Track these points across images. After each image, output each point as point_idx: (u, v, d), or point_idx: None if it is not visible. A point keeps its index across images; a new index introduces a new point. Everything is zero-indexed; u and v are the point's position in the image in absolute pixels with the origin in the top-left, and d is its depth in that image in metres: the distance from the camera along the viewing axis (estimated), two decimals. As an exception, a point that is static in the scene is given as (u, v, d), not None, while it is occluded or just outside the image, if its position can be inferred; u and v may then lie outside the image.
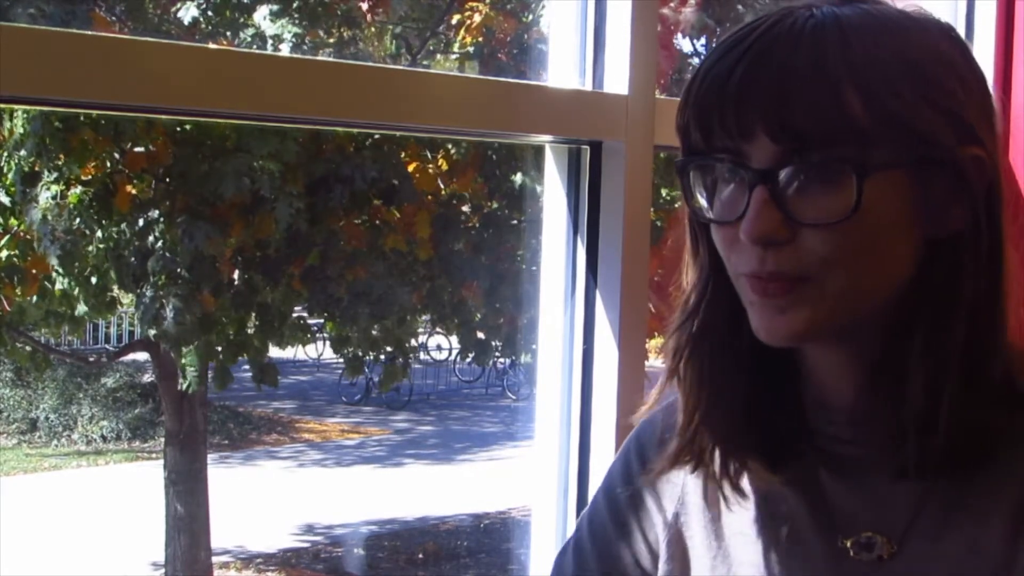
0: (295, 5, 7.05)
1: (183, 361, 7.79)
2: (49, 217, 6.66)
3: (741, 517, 1.07)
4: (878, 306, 0.98)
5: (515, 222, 7.98)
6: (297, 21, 6.93)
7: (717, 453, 1.05)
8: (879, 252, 0.95)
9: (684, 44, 8.92)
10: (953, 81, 0.97)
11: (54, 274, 7.22)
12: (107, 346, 14.72)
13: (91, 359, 13.22)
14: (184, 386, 7.95)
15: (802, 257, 0.95)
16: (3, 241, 7.06)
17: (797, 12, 0.97)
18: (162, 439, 10.43)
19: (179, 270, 7.07)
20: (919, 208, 0.96)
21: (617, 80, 1.73)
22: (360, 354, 8.40)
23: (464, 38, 7.78)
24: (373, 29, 8.08)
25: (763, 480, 1.05)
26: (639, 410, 1.16)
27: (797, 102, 0.92)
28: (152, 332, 7.36)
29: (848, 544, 1.02)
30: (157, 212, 7.06)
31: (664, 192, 7.73)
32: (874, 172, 0.92)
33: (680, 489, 1.11)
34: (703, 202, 0.99)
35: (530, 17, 7.60)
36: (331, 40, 7.54)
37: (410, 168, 7.42)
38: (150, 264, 6.97)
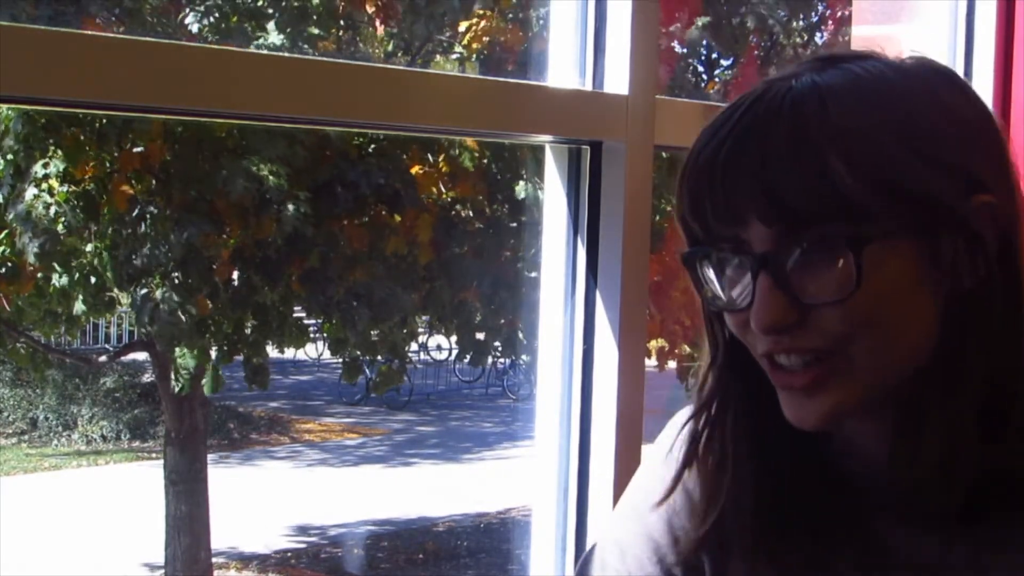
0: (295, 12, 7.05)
1: (178, 362, 7.80)
2: (33, 214, 6.66)
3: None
4: (908, 371, 0.95)
5: (515, 225, 7.98)
6: (302, 33, 6.94)
7: (747, 537, 1.03)
8: (894, 319, 0.93)
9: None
10: (952, 129, 0.93)
11: (53, 274, 7.22)
12: (107, 346, 14.71)
13: (91, 359, 13.22)
14: (177, 388, 7.95)
15: (815, 335, 0.93)
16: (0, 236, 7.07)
17: (776, 85, 0.94)
18: (162, 439, 10.43)
19: (171, 266, 7.07)
20: (929, 268, 0.93)
21: (617, 80, 1.73)
22: (359, 355, 8.40)
23: (471, 44, 7.79)
24: (381, 32, 8.07)
25: (805, 552, 1.02)
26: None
27: (782, 182, 0.90)
28: (144, 330, 7.37)
29: None
30: (152, 209, 7.06)
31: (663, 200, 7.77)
32: (871, 243, 0.90)
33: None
34: (716, 290, 0.97)
35: (538, 26, 7.60)
36: (331, 46, 7.54)
37: (413, 171, 7.43)
38: (141, 258, 6.96)
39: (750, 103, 0.94)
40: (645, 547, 1.10)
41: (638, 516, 1.12)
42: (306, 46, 6.94)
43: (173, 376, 7.96)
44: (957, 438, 0.94)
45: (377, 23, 7.64)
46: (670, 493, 1.08)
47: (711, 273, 0.97)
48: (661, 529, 1.09)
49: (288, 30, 6.89)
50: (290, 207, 6.87)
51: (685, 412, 1.15)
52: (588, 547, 1.16)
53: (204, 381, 7.89)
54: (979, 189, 0.93)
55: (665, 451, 1.13)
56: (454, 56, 8.22)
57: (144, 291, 7.05)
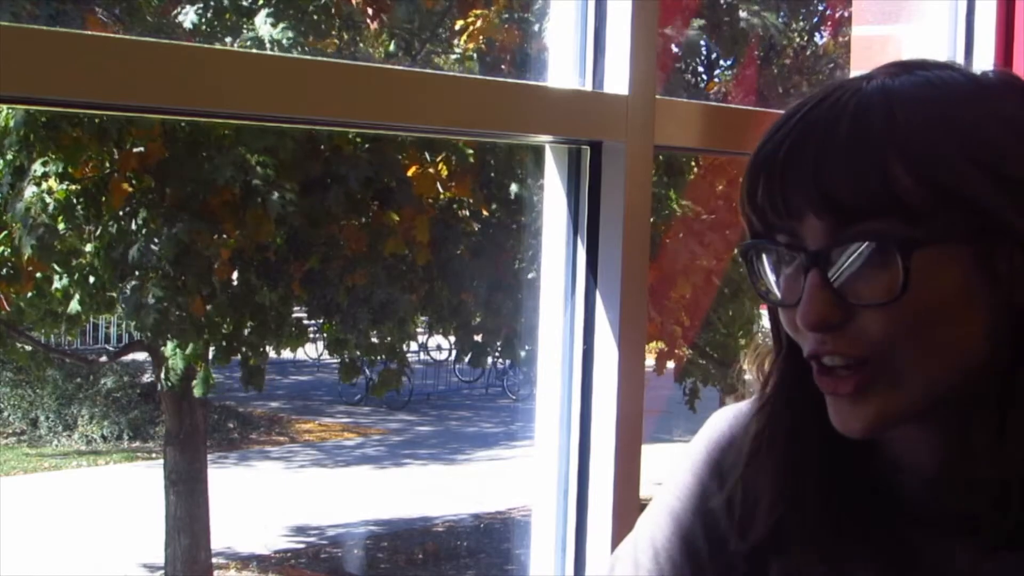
0: (292, 12, 7.05)
1: (168, 363, 7.80)
2: (32, 211, 6.67)
3: None
4: (956, 383, 0.93)
5: (514, 227, 7.99)
6: (295, 27, 6.94)
7: (797, 536, 1.02)
8: (942, 329, 0.92)
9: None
10: (1016, 142, 0.92)
11: (52, 272, 7.22)
12: (107, 346, 14.72)
13: (91, 359, 13.22)
14: (166, 387, 7.95)
15: (859, 339, 0.92)
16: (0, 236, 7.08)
17: (846, 86, 0.95)
18: (162, 439, 10.44)
19: (163, 263, 7.07)
20: (982, 280, 0.91)
21: (617, 80, 1.73)
22: (357, 355, 8.41)
23: (467, 43, 7.79)
24: (374, 28, 8.08)
25: (841, 554, 1.02)
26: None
27: (837, 176, 0.90)
28: (134, 326, 7.38)
29: None
30: (146, 208, 7.07)
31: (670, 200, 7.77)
32: (922, 247, 0.89)
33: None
34: (771, 286, 0.98)
35: (536, 25, 7.61)
36: (330, 43, 7.54)
37: (409, 172, 7.43)
38: (133, 255, 6.97)
39: (817, 101, 0.94)
40: (682, 549, 1.09)
41: (675, 517, 1.11)
42: (300, 38, 6.93)
43: (163, 374, 7.97)
44: (1015, 466, 0.93)
45: (369, 16, 7.65)
46: (723, 490, 1.08)
47: (767, 268, 0.97)
48: (698, 532, 1.09)
49: (281, 25, 6.88)
50: (275, 195, 6.86)
51: (724, 412, 1.15)
52: (622, 544, 1.15)
53: (195, 382, 7.89)
54: None
55: (704, 450, 1.13)
56: (454, 56, 8.22)
57: (133, 284, 7.05)
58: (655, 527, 1.12)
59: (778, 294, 0.97)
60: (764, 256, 0.97)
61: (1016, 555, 0.96)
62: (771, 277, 0.97)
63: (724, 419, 1.14)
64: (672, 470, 1.15)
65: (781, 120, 0.96)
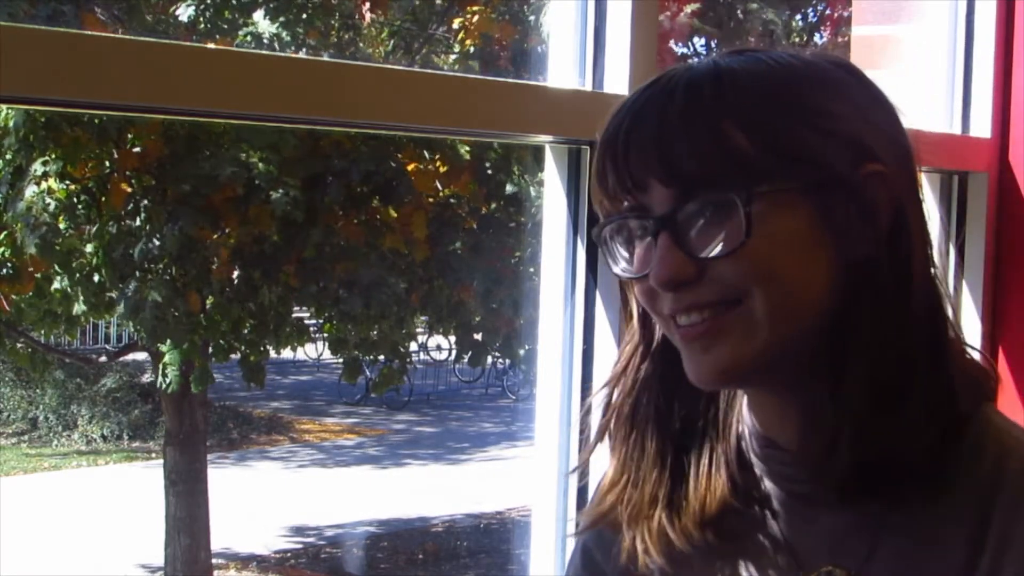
0: (293, 4, 7.05)
1: (165, 360, 7.80)
2: (33, 210, 6.67)
3: (699, 568, 1.07)
4: (804, 337, 0.98)
5: (512, 224, 7.99)
6: (294, 22, 6.94)
7: (658, 514, 1.06)
8: (788, 275, 0.96)
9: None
10: (841, 105, 0.99)
11: (53, 273, 7.22)
12: (107, 346, 14.74)
13: (91, 359, 13.23)
14: (164, 386, 7.95)
15: (712, 288, 0.97)
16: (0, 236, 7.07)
17: (676, 69, 1.01)
18: (162, 439, 10.44)
19: (164, 262, 7.07)
20: (822, 230, 0.97)
21: (617, 80, 1.73)
22: (358, 356, 8.41)
23: (464, 40, 7.79)
24: (373, 30, 8.08)
25: (710, 535, 1.05)
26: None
27: (677, 145, 0.96)
28: (133, 326, 7.38)
29: None
30: (147, 203, 7.07)
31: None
32: (761, 198, 0.94)
33: (624, 551, 1.10)
34: (625, 263, 1.02)
35: (532, 20, 7.61)
36: (331, 41, 7.54)
37: (409, 168, 7.44)
38: (135, 253, 6.97)
39: (650, 83, 1.01)
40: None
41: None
42: (298, 31, 6.94)
43: (160, 373, 7.97)
44: (846, 411, 0.96)
45: (364, 10, 7.65)
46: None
47: (621, 248, 1.02)
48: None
49: (279, 20, 6.89)
50: (279, 191, 6.88)
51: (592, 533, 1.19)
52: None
53: (192, 377, 7.89)
54: (868, 159, 0.98)
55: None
56: (453, 57, 8.22)
57: (133, 285, 7.06)
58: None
59: (633, 269, 1.01)
60: (617, 236, 1.02)
61: (877, 517, 0.99)
62: (624, 255, 1.02)
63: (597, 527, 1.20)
64: None
65: (619, 106, 1.01)
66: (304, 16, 7.18)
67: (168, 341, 7.51)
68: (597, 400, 1.10)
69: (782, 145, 0.96)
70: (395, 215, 7.54)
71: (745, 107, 0.96)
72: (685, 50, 9.03)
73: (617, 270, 1.02)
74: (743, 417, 1.06)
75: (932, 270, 1.01)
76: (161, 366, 7.94)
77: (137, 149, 7.07)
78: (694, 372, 0.99)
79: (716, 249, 0.96)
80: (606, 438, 1.09)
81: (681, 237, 0.96)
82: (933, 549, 0.98)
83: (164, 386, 7.96)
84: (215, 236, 7.26)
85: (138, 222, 7.09)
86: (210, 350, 7.74)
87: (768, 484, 1.05)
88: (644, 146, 0.97)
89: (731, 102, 0.96)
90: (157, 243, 6.98)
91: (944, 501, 0.98)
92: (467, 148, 7.49)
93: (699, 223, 0.96)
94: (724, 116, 0.95)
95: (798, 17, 9.12)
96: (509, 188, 7.68)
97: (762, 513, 1.05)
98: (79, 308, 7.36)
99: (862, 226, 0.97)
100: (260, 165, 6.88)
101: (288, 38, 6.84)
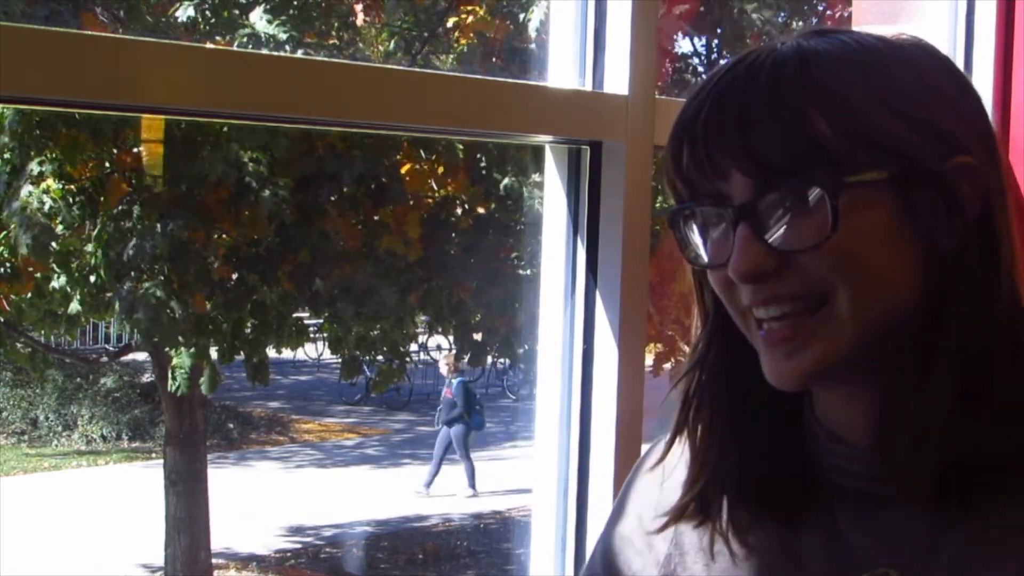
0: (291, 5, 7.05)
1: (174, 363, 7.80)
2: (28, 210, 6.67)
3: (749, 561, 1.05)
4: (889, 333, 0.95)
5: (511, 224, 7.99)
6: (293, 23, 6.94)
7: (725, 507, 1.04)
8: (870, 269, 0.94)
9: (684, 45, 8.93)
10: (930, 94, 0.96)
11: (52, 274, 7.22)
12: (107, 346, 14.71)
13: (91, 359, 13.22)
14: (174, 388, 7.95)
15: (796, 281, 0.94)
16: (-1, 236, 7.07)
17: (760, 50, 0.97)
18: (162, 439, 10.43)
19: (160, 262, 7.07)
20: (907, 223, 0.94)
21: (617, 80, 1.73)
22: (357, 355, 8.41)
23: (459, 39, 7.80)
24: (373, 31, 8.08)
25: (774, 529, 1.03)
26: (650, 459, 1.14)
27: (760, 132, 0.92)
28: (131, 327, 7.38)
29: None
30: (140, 205, 7.07)
31: (660, 199, 7.77)
32: (848, 191, 0.92)
33: (672, 530, 1.09)
34: (699, 250, 0.99)
35: (523, 17, 7.61)
36: (329, 42, 7.54)
37: (403, 170, 7.44)
38: (129, 253, 6.96)
39: (732, 65, 0.97)
40: (607, 549, 1.14)
41: (608, 522, 1.16)
42: (295, 32, 6.93)
43: (170, 375, 7.97)
44: (934, 409, 0.94)
45: (358, 10, 7.65)
46: (661, 460, 1.10)
47: (695, 232, 0.99)
48: (625, 532, 1.13)
49: (278, 21, 6.89)
50: (267, 192, 6.88)
51: (644, 461, 1.17)
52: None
53: (202, 380, 7.90)
54: (957, 151, 0.95)
55: (642, 459, 1.17)
56: (453, 56, 8.23)
57: (128, 285, 7.06)
58: (589, 558, 1.17)
59: (706, 257, 0.98)
60: (692, 222, 0.99)
61: (941, 520, 0.97)
62: (699, 242, 0.99)
63: (650, 446, 1.17)
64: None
65: (699, 87, 0.98)
66: (303, 16, 7.18)
67: (165, 342, 7.50)
68: (675, 393, 1.06)
69: (869, 135, 0.93)
70: (390, 215, 7.54)
71: (832, 95, 0.93)
72: (683, 50, 9.04)
73: (690, 257, 1.00)
74: (811, 409, 1.03)
75: (1016, 264, 0.97)
76: (171, 369, 7.94)
77: (136, 149, 7.07)
78: (775, 375, 0.96)
79: (800, 242, 0.93)
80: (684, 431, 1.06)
81: (761, 228, 0.93)
82: (994, 557, 0.95)
83: (174, 389, 7.96)
84: (215, 236, 7.26)
85: (131, 222, 7.08)
86: (213, 352, 7.74)
87: (832, 478, 1.02)
88: (726, 133, 0.94)
89: (817, 89, 0.93)
90: (151, 242, 6.97)
91: (1012, 507, 0.95)
92: (462, 147, 7.50)
93: (781, 214, 0.93)
94: (810, 104, 0.92)
95: (786, 17, 9.11)
96: (505, 187, 7.67)
97: (823, 508, 1.02)
98: (75, 308, 7.35)
99: (949, 220, 0.94)
100: (251, 166, 6.89)
101: (283, 37, 6.83)
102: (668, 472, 1.10)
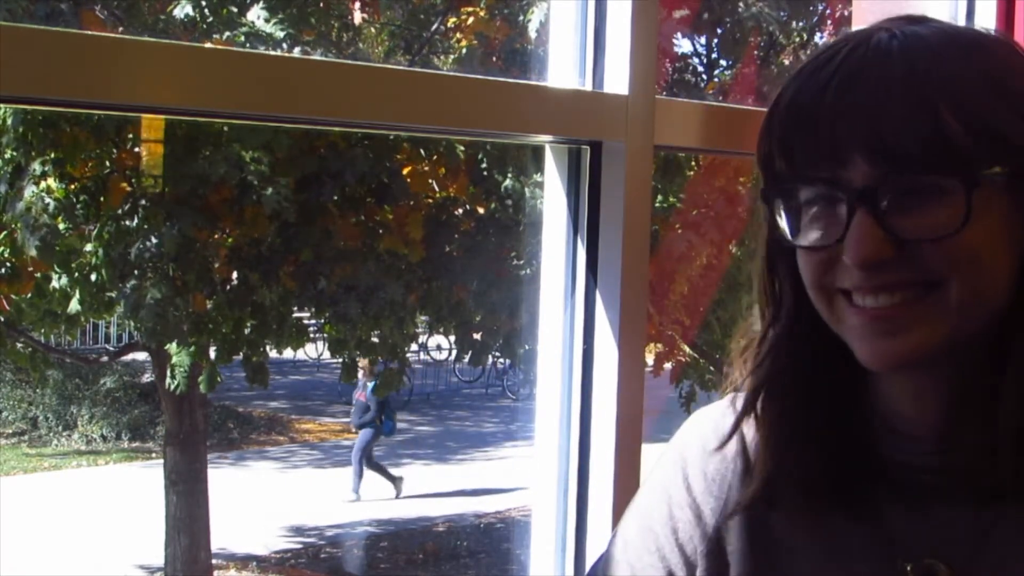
0: (290, 3, 7.05)
1: (173, 362, 7.80)
2: (32, 210, 6.67)
3: (802, 549, 1.05)
4: (979, 327, 0.96)
5: (511, 225, 7.99)
6: (290, 20, 6.94)
7: (787, 495, 1.04)
8: (984, 266, 0.94)
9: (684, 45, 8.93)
10: None
11: (52, 273, 7.22)
12: (107, 346, 14.71)
13: (91, 359, 13.22)
14: (173, 387, 7.95)
15: (914, 268, 0.94)
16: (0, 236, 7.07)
17: (878, 34, 0.97)
18: (162, 439, 10.43)
19: (163, 261, 7.07)
20: (1018, 222, 0.95)
21: (617, 80, 1.73)
22: (357, 355, 8.41)
23: (459, 40, 7.81)
24: (373, 30, 8.08)
25: (828, 517, 1.03)
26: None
27: (893, 124, 0.92)
28: (134, 326, 7.38)
29: (909, 569, 1.01)
30: (144, 202, 7.07)
31: (660, 199, 7.77)
32: (981, 186, 0.92)
33: (723, 503, 1.09)
34: (787, 229, 0.99)
35: (522, 18, 7.61)
36: (330, 37, 7.55)
37: (405, 171, 7.44)
38: (132, 253, 6.96)
39: (852, 48, 0.96)
40: (646, 542, 1.11)
41: (642, 513, 1.13)
42: (291, 33, 6.93)
43: (169, 375, 7.97)
44: (1009, 414, 0.95)
45: (355, 9, 7.65)
46: (728, 439, 1.09)
47: (785, 212, 0.98)
48: (664, 525, 1.11)
49: (278, 17, 6.88)
50: (268, 191, 6.88)
51: (700, 414, 1.16)
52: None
53: (200, 379, 7.89)
54: None
55: (679, 450, 1.14)
56: (453, 56, 8.23)
57: (133, 284, 7.06)
58: (627, 525, 1.14)
59: (800, 237, 0.98)
60: (787, 200, 0.98)
61: (991, 513, 0.98)
62: (787, 222, 0.98)
63: (696, 421, 1.15)
64: (649, 475, 1.17)
65: (812, 66, 0.97)
66: (301, 15, 7.18)
67: (170, 340, 7.51)
68: (739, 374, 1.07)
69: (994, 131, 0.93)
70: (391, 216, 7.54)
71: (959, 89, 0.93)
72: (683, 50, 9.04)
73: (777, 236, 0.99)
74: (868, 400, 1.04)
75: None
76: (169, 368, 7.94)
77: (137, 149, 7.07)
78: (870, 354, 0.96)
79: (925, 233, 0.93)
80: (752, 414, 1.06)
81: (881, 215, 0.93)
82: None
83: (173, 387, 7.96)
84: (215, 236, 7.26)
85: (135, 221, 7.08)
86: (212, 351, 7.74)
87: (887, 469, 1.02)
88: (856, 118, 0.93)
89: (946, 82, 0.93)
90: (155, 240, 6.97)
91: None
92: (462, 148, 7.50)
93: (904, 204, 0.93)
94: (940, 97, 0.92)
95: (786, 17, 9.11)
96: (506, 188, 7.67)
97: (876, 498, 1.03)
98: (75, 307, 7.35)
99: None
100: (252, 165, 6.89)
101: (281, 35, 6.83)
102: (729, 458, 1.10)
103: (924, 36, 0.96)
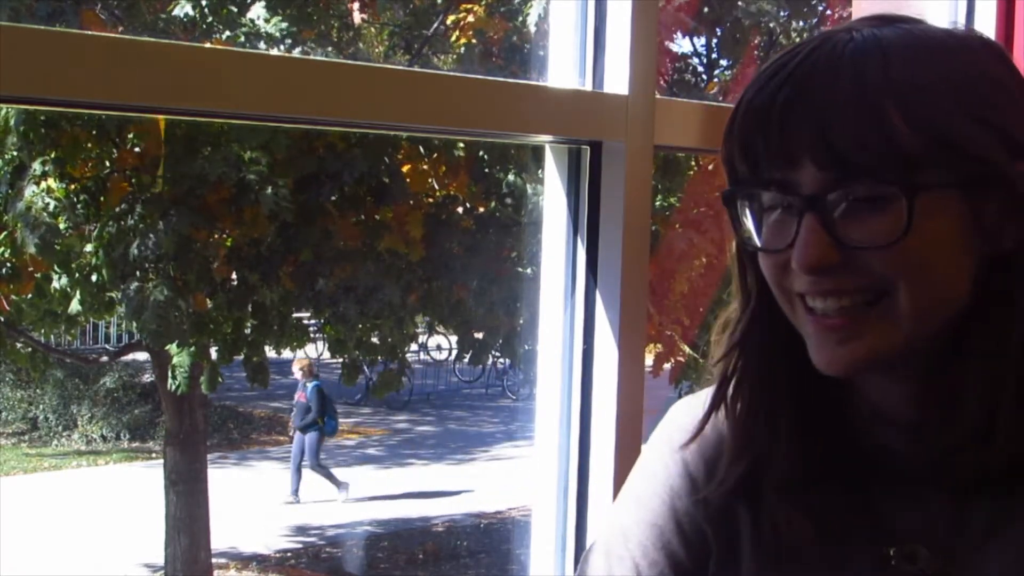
0: (290, 3, 7.06)
1: (174, 362, 7.80)
2: (32, 210, 6.67)
3: (786, 536, 1.05)
4: (939, 330, 0.96)
5: (511, 224, 7.99)
6: (291, 20, 6.95)
7: (766, 483, 1.04)
8: (934, 272, 0.94)
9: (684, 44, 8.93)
10: (1001, 96, 0.96)
11: (53, 273, 7.22)
12: (107, 346, 14.72)
13: (91, 359, 13.22)
14: (174, 387, 7.95)
15: (859, 276, 0.94)
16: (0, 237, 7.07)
17: (837, 37, 0.96)
18: (162, 439, 10.44)
19: (163, 261, 7.07)
20: (973, 226, 0.94)
21: (617, 80, 1.73)
22: (357, 355, 8.41)
23: (459, 39, 7.81)
24: (372, 30, 8.08)
25: (811, 504, 1.03)
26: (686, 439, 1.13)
27: (841, 128, 0.92)
28: (135, 326, 7.38)
29: (892, 553, 1.01)
30: (143, 204, 7.07)
31: (659, 198, 7.77)
32: (923, 193, 0.91)
33: (718, 486, 1.09)
34: (751, 232, 0.99)
35: (521, 18, 7.61)
36: (330, 37, 7.55)
37: (405, 169, 7.44)
38: (132, 252, 6.96)
39: (809, 51, 0.96)
40: (648, 533, 1.11)
41: (640, 504, 1.13)
42: (293, 29, 6.94)
43: (170, 375, 7.97)
44: (997, 403, 0.95)
45: (354, 9, 7.66)
46: (697, 434, 1.09)
47: (750, 214, 0.99)
48: (664, 515, 1.11)
49: (278, 15, 6.89)
50: (268, 191, 6.88)
51: (683, 403, 1.17)
52: (592, 541, 1.16)
53: (202, 379, 7.90)
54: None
55: (666, 439, 1.14)
56: (453, 56, 8.23)
57: (135, 285, 7.05)
58: (623, 516, 1.13)
59: (757, 241, 0.99)
60: (748, 204, 0.99)
61: (971, 500, 0.99)
62: (752, 224, 0.99)
63: (680, 410, 1.16)
64: (637, 461, 1.17)
65: (772, 68, 0.97)
66: (301, 14, 7.18)
67: (172, 342, 7.51)
68: (715, 370, 1.07)
69: (945, 137, 0.92)
70: (391, 215, 7.54)
71: (911, 94, 0.92)
72: (683, 50, 9.04)
73: (744, 237, 1.00)
74: (852, 387, 1.04)
75: None
76: (171, 368, 7.94)
77: (137, 148, 7.07)
78: (824, 360, 0.97)
79: (870, 240, 0.93)
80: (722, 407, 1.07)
81: (829, 221, 0.93)
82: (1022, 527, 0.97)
83: (174, 388, 7.96)
84: (214, 236, 7.26)
85: (132, 220, 7.08)
86: (213, 351, 7.75)
87: (871, 456, 1.03)
88: (805, 123, 0.93)
89: (897, 87, 0.92)
90: (153, 239, 6.97)
91: None
92: (462, 146, 7.50)
93: (852, 210, 0.93)
94: (890, 102, 0.92)
95: (786, 16, 9.11)
96: (508, 184, 7.67)
97: (859, 484, 1.03)
98: (75, 308, 7.35)
99: (1013, 223, 0.95)
100: (251, 165, 6.89)
101: (279, 35, 6.84)
102: (703, 449, 1.10)
103: (881, 39, 0.95)
